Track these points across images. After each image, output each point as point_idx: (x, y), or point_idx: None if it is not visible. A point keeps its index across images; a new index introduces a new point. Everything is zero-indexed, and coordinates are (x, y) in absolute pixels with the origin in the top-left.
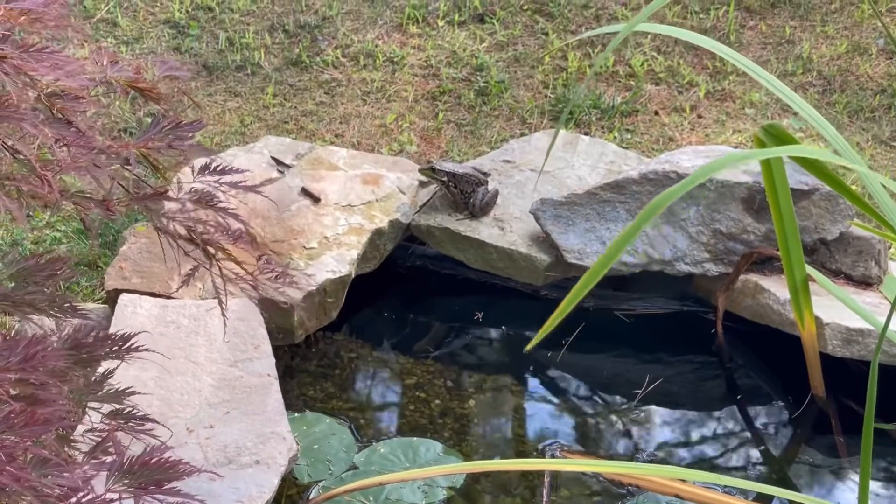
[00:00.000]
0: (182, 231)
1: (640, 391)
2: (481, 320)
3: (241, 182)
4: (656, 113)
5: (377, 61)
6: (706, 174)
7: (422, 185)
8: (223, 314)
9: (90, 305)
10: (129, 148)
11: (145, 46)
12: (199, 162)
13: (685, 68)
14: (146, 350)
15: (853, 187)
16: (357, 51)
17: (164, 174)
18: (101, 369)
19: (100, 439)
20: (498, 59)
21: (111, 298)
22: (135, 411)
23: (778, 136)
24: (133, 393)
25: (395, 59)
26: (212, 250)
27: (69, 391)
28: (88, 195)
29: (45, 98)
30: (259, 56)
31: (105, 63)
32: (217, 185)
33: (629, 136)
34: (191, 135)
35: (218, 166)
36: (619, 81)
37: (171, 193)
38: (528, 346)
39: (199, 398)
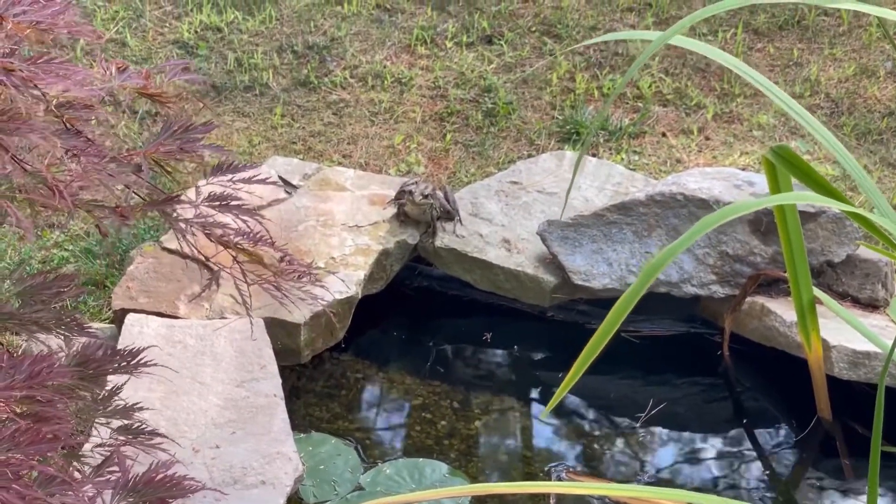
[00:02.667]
0: (201, 237)
1: (646, 413)
2: (489, 341)
3: (253, 178)
4: (664, 135)
5: (385, 82)
6: (743, 209)
7: (403, 215)
8: (248, 313)
9: (97, 325)
10: (140, 155)
11: (154, 67)
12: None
13: (693, 90)
14: (154, 364)
15: (861, 210)
16: (365, 72)
17: (177, 179)
18: (109, 385)
19: (108, 454)
20: (506, 80)
21: (118, 318)
22: (143, 426)
23: (787, 159)
24: (142, 409)
25: (404, 80)
26: (233, 252)
27: (77, 408)
28: (101, 203)
29: (54, 109)
30: (267, 76)
31: (113, 71)
32: (231, 184)
33: (637, 158)
34: (202, 136)
35: (231, 164)
36: (627, 103)
37: (188, 198)
38: (545, 411)
39: (205, 418)
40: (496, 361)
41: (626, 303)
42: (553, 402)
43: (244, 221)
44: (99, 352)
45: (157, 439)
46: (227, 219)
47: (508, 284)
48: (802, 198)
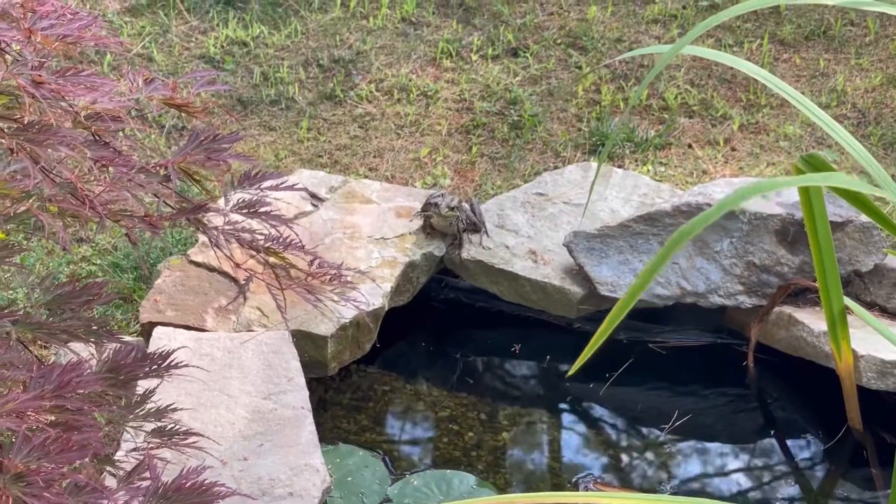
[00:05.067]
0: (232, 245)
1: (673, 423)
2: (518, 352)
3: (281, 185)
4: (690, 146)
5: (411, 95)
6: (736, 201)
7: (430, 227)
8: (283, 318)
9: (125, 338)
10: (168, 164)
11: (180, 81)
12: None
13: (719, 101)
14: (186, 366)
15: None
16: (391, 85)
17: (206, 188)
18: (140, 390)
19: (140, 459)
20: (531, 92)
21: (146, 331)
22: (178, 427)
23: (817, 167)
24: (175, 409)
25: (429, 93)
26: (264, 257)
27: (108, 414)
28: (131, 212)
29: (83, 121)
30: (293, 90)
31: (140, 83)
32: (260, 191)
33: (663, 169)
34: (228, 146)
35: (258, 172)
36: (653, 114)
37: (217, 206)
38: (570, 372)
39: (232, 431)
40: (523, 373)
41: (618, 312)
42: (576, 366)
43: (273, 227)
44: (129, 357)
45: (193, 438)
46: (256, 225)
47: (535, 296)
48: (831, 179)
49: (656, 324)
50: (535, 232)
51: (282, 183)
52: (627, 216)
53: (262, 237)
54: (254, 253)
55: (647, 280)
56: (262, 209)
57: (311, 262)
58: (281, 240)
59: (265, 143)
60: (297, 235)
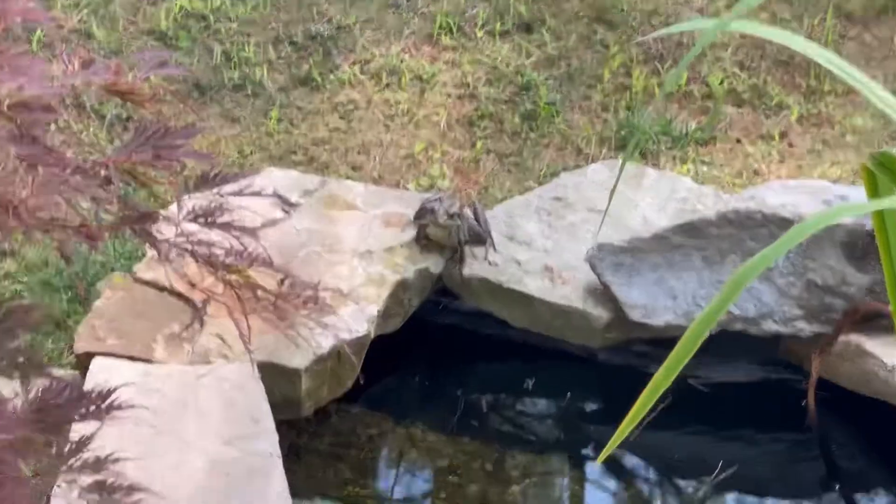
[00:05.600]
0: (187, 261)
1: (718, 475)
2: (530, 389)
3: (246, 189)
4: (738, 141)
5: (403, 79)
6: (824, 221)
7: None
8: (247, 347)
9: (57, 373)
10: (110, 164)
11: (125, 63)
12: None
13: (773, 87)
14: (131, 406)
15: None
16: (379, 67)
17: (154, 193)
18: (75, 435)
19: None
20: (548, 76)
21: (82, 364)
22: (120, 481)
23: (892, 168)
24: (117, 459)
25: (425, 77)
26: (224, 275)
27: (36, 464)
28: (64, 222)
29: (5, 111)
30: (261, 73)
31: (76, 66)
32: (220, 196)
33: (706, 169)
34: (183, 141)
35: (218, 173)
36: (694, 103)
37: (168, 214)
38: (600, 458)
39: (188, 485)
40: (538, 413)
41: (691, 341)
42: (606, 451)
43: (236, 238)
44: (62, 395)
45: (139, 495)
46: (216, 236)
47: (552, 321)
48: None
49: (697, 355)
50: (552, 244)
51: (247, 186)
52: (663, 226)
53: (223, 251)
54: (213, 270)
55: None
56: (223, 218)
57: (282, 282)
58: (245, 254)
59: (227, 137)
60: (264, 249)
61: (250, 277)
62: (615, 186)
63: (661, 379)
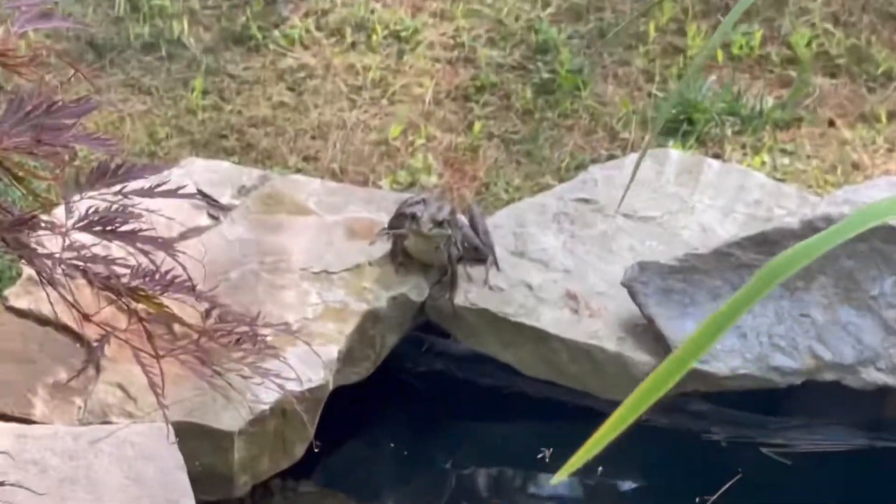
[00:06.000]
0: (78, 283)
1: None
2: (547, 461)
3: (159, 186)
4: (832, 123)
5: (374, 37)
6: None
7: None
8: (160, 402)
9: None
10: None
11: None
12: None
13: (879, 49)
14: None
15: None
16: (340, 20)
17: (34, 189)
18: None
19: None
20: (572, 32)
21: None
22: None
23: None
24: None
25: (404, 35)
26: (130, 304)
27: None
28: None
29: None
30: (180, 28)
31: None
32: (123, 196)
33: (786, 161)
34: (73, 120)
35: (121, 165)
36: (771, 71)
37: (54, 219)
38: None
39: None
40: (557, 495)
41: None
42: (567, 469)
43: (144, 253)
44: None
45: None
46: (118, 251)
47: (575, 368)
48: None
49: (775, 415)
50: (577, 262)
51: (160, 183)
52: (728, 237)
53: (128, 271)
54: (113, 297)
55: None
56: (127, 226)
57: (207, 313)
58: (157, 276)
59: (134, 114)
60: (183, 269)
61: (164, 307)
62: (634, 173)
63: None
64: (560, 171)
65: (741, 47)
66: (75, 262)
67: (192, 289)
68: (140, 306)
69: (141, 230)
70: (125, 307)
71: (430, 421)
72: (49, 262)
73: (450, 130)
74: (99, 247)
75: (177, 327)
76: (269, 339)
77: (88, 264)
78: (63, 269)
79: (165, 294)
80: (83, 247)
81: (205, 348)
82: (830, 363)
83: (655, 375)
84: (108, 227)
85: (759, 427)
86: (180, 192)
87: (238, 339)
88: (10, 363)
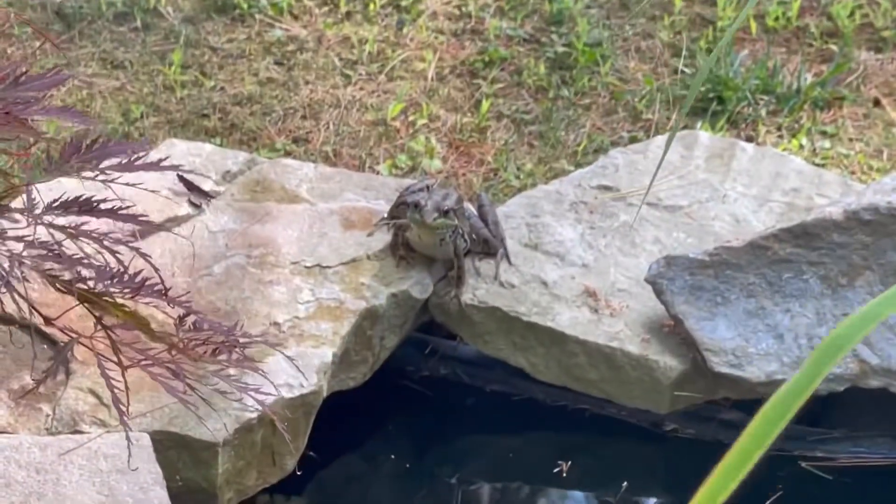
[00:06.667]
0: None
1: None
2: (565, 475)
3: (135, 161)
4: (877, 102)
5: (371, 6)
6: None
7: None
8: (122, 416)
9: None
10: None
11: None
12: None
13: None
14: None
15: None
16: None
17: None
18: None
19: None
20: (590, 1)
21: None
22: None
23: None
24: None
25: (404, 3)
26: (94, 310)
27: None
28: None
29: None
30: None
31: None
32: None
33: (827, 145)
34: (39, 94)
35: (94, 142)
36: (810, 44)
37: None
38: None
39: None
40: None
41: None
42: None
43: (112, 252)
44: None
45: None
46: (87, 246)
47: (595, 373)
48: None
49: (815, 426)
50: (596, 256)
51: (135, 157)
52: (764, 229)
53: (93, 272)
54: (78, 300)
55: None
56: (95, 219)
57: (181, 320)
58: (125, 276)
59: (106, 91)
60: (156, 271)
61: (134, 312)
62: (663, 156)
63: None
64: (577, 154)
65: (777, 18)
66: (38, 258)
67: (164, 293)
68: (106, 316)
69: (120, 208)
70: (91, 311)
71: (434, 431)
72: (6, 258)
73: (455, 109)
74: (65, 241)
75: (151, 330)
76: (248, 352)
77: (50, 262)
78: (25, 264)
79: (135, 298)
80: (46, 242)
81: (177, 360)
82: (877, 368)
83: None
84: (76, 217)
85: (797, 439)
86: (160, 164)
87: (214, 351)
88: None
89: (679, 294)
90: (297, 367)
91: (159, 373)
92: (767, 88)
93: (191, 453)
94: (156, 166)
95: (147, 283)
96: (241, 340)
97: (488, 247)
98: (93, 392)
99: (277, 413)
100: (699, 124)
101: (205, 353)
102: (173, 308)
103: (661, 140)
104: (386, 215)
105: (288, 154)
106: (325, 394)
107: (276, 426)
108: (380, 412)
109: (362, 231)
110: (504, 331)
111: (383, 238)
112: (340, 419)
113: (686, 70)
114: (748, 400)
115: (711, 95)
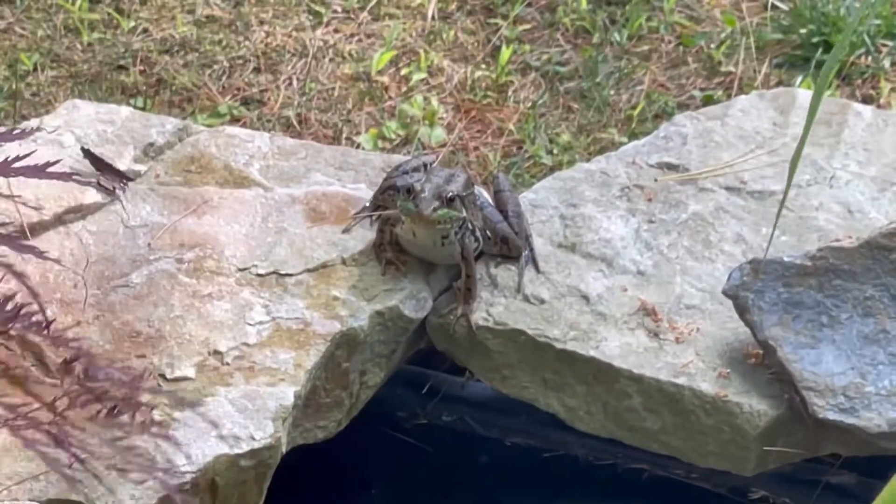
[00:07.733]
0: None
1: None
2: None
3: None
4: None
5: None
6: None
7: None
8: None
9: None
10: None
11: None
12: None
13: None
14: None
15: None
16: None
17: None
18: None
19: None
20: None
21: None
22: None
23: None
24: None
25: None
26: None
27: None
28: None
29: None
30: None
31: None
32: None
33: None
34: None
35: None
36: None
37: None
38: None
39: None
40: None
41: None
42: None
43: None
44: None
45: None
46: None
47: (654, 421)
48: None
49: None
50: (656, 261)
51: (23, 137)
52: (887, 223)
53: None
54: None
55: None
56: None
57: (67, 363)
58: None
59: None
60: (34, 295)
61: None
62: (801, 146)
63: None
64: (631, 121)
65: None
66: None
67: (46, 326)
68: None
69: None
70: None
71: (435, 497)
72: None
73: (464, 59)
74: None
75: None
76: (153, 413)
77: None
78: None
79: (6, 333)
80: None
81: (58, 422)
82: None
83: None
84: None
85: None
86: (49, 169)
87: (112, 409)
88: None
89: (770, 312)
90: (246, 413)
91: (36, 438)
92: (891, 31)
93: None
94: (41, 172)
95: (23, 310)
96: (155, 391)
97: (508, 247)
98: None
99: (219, 472)
100: (798, 80)
101: (98, 413)
102: (59, 348)
103: (747, 99)
104: (368, 204)
105: (235, 120)
106: (284, 449)
107: (221, 491)
108: (359, 473)
109: (336, 226)
110: (530, 363)
111: (365, 235)
112: (305, 483)
113: (780, 5)
114: (864, 457)
115: (815, 40)
